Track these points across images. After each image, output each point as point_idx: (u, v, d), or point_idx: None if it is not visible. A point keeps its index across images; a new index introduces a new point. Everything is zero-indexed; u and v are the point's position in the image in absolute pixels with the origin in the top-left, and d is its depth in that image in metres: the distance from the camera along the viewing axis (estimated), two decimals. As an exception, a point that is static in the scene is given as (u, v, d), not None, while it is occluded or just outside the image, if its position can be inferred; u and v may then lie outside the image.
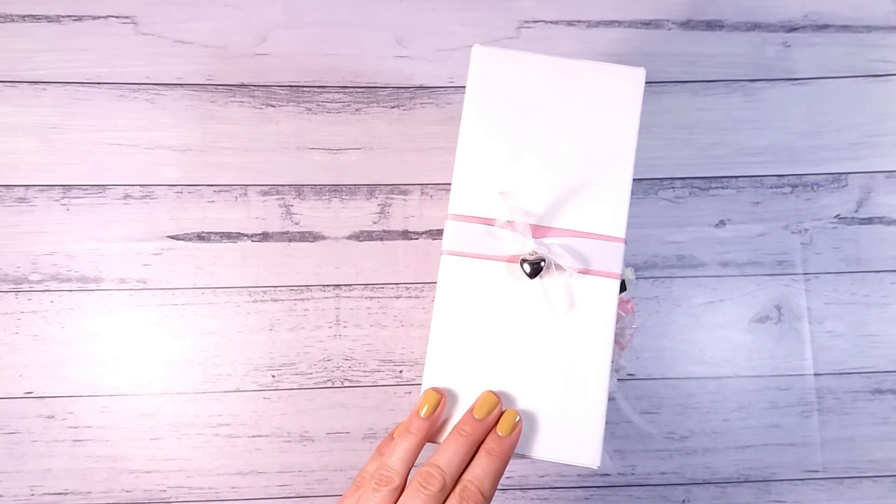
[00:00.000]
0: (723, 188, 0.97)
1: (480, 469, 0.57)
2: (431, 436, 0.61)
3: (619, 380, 0.93)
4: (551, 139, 0.64)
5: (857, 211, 0.98)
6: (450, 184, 0.65)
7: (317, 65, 0.98)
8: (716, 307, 0.97)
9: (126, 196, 0.94)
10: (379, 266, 0.96)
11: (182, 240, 0.94)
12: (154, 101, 0.96)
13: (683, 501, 0.95)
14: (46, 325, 0.93)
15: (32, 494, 0.92)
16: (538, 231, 0.63)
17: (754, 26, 1.00)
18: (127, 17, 0.96)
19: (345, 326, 0.95)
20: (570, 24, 0.99)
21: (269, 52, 0.97)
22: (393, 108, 0.97)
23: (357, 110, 0.97)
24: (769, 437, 0.96)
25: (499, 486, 0.93)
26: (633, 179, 0.64)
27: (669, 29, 0.99)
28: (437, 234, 0.96)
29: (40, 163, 0.94)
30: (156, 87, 0.96)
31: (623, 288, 0.65)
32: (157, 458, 0.93)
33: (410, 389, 0.95)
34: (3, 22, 0.95)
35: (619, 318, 0.64)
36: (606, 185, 0.64)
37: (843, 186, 0.98)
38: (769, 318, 0.97)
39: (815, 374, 0.96)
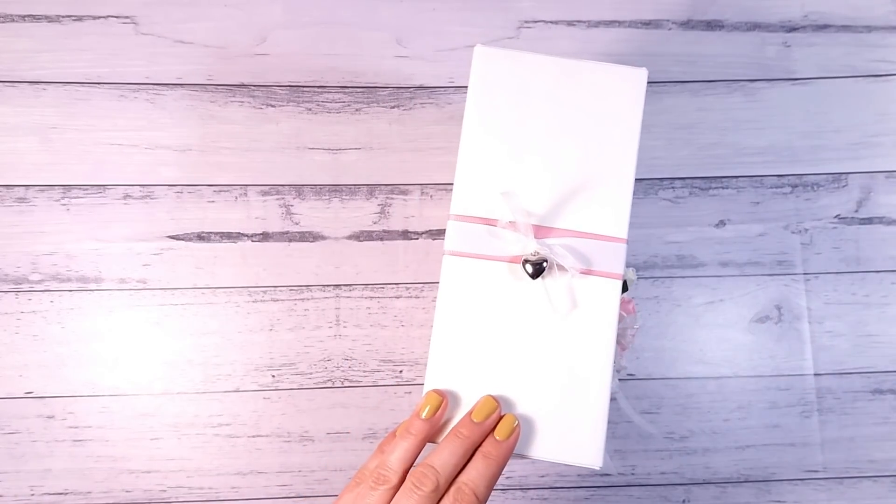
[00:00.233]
0: (723, 188, 0.98)
1: (476, 472, 0.58)
2: (431, 437, 0.61)
3: (619, 380, 0.93)
4: (553, 139, 0.64)
5: (857, 211, 0.98)
6: (450, 184, 0.65)
7: (317, 65, 0.97)
8: (716, 307, 0.97)
9: (126, 196, 0.94)
10: (379, 266, 0.96)
11: (182, 240, 0.94)
12: (154, 101, 0.96)
13: (683, 501, 0.95)
14: (46, 325, 0.93)
15: (32, 494, 0.92)
16: (540, 231, 0.63)
17: (754, 26, 1.00)
18: (127, 17, 0.96)
19: (345, 326, 0.95)
20: (570, 24, 0.99)
21: (269, 52, 0.97)
22: (393, 108, 0.97)
23: (357, 110, 0.97)
24: (769, 437, 0.96)
25: (499, 486, 0.94)
26: (634, 179, 0.64)
27: (669, 29, 0.99)
28: (437, 234, 0.96)
29: (40, 163, 0.94)
30: (156, 87, 0.96)
31: (625, 288, 0.66)
32: (157, 458, 0.93)
33: (410, 389, 0.95)
34: (3, 22, 0.95)
35: (620, 319, 0.64)
36: (608, 186, 0.64)
37: (843, 186, 0.98)
38: (769, 318, 0.97)
39: (815, 374, 0.96)
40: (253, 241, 0.95)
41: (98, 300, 0.94)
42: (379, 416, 0.95)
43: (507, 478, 0.95)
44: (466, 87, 0.65)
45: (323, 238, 0.95)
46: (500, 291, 0.63)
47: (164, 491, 0.93)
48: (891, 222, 0.98)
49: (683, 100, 0.98)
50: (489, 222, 0.64)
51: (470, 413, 0.61)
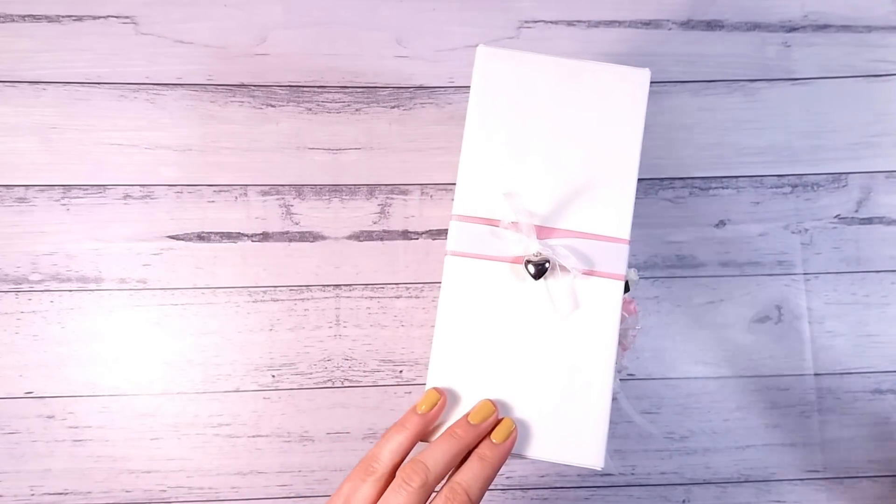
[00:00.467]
0: (723, 188, 0.98)
1: (471, 473, 0.58)
2: (425, 433, 0.61)
3: (620, 380, 0.93)
4: (556, 140, 0.64)
5: (857, 211, 0.98)
6: (450, 184, 0.65)
7: (317, 65, 0.97)
8: (716, 307, 0.97)
9: (126, 196, 0.94)
10: (379, 266, 0.96)
11: (182, 240, 0.94)
12: (154, 101, 0.96)
13: (683, 501, 0.95)
14: (46, 325, 0.93)
15: (32, 494, 0.92)
16: (542, 232, 0.63)
17: (754, 26, 1.00)
18: (127, 17, 0.96)
19: (345, 326, 0.95)
20: (570, 24, 0.99)
21: (269, 52, 0.97)
22: (393, 108, 0.97)
23: (357, 110, 0.97)
24: (769, 437, 0.96)
25: (499, 486, 0.94)
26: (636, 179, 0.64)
27: (669, 29, 1.00)
28: (437, 234, 0.96)
29: (40, 163, 0.94)
30: (156, 87, 0.96)
31: (626, 289, 0.66)
32: (157, 458, 0.93)
33: (410, 389, 0.95)
34: (3, 22, 0.95)
35: (622, 319, 0.64)
36: (611, 187, 0.64)
37: (843, 186, 0.98)
38: (769, 318, 0.97)
39: (815, 374, 0.96)
40: (253, 241, 0.95)
41: (98, 300, 0.94)
42: (379, 417, 0.95)
43: (507, 478, 0.95)
44: (467, 87, 0.65)
45: (323, 238, 0.95)
46: (502, 292, 0.63)
47: (164, 491, 0.93)
48: (891, 222, 0.98)
49: (683, 100, 0.98)
50: (491, 223, 0.64)
51: (467, 414, 0.61)
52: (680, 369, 0.96)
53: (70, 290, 0.93)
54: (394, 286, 0.95)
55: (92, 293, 0.93)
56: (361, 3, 0.99)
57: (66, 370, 0.93)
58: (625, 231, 0.64)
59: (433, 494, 0.57)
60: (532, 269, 0.62)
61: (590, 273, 0.63)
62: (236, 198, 0.95)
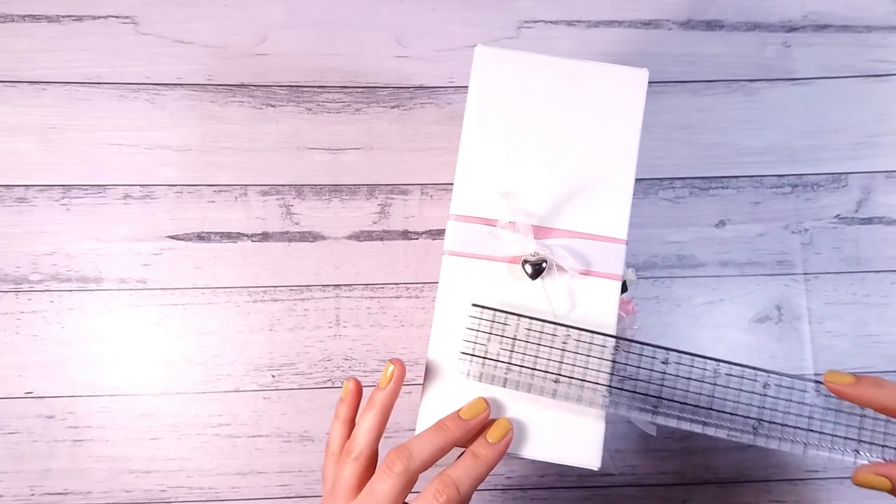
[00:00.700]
0: (723, 188, 0.98)
1: (463, 468, 0.58)
2: (390, 406, 0.63)
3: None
4: (554, 140, 0.64)
5: (857, 211, 0.98)
6: (450, 184, 0.65)
7: (317, 65, 0.98)
8: (716, 307, 0.97)
9: (126, 196, 0.94)
10: (379, 266, 0.96)
11: (182, 240, 0.94)
12: (154, 101, 0.96)
13: (683, 501, 0.95)
14: (46, 325, 0.93)
15: (32, 494, 0.92)
16: (540, 232, 0.63)
17: (754, 26, 1.00)
18: (127, 17, 0.96)
19: (345, 326, 0.95)
20: (570, 24, 0.99)
21: (269, 52, 0.97)
22: (393, 108, 0.97)
23: (357, 110, 0.97)
24: (769, 437, 0.96)
25: (499, 486, 0.94)
26: (634, 181, 0.64)
27: (669, 29, 1.00)
28: (437, 234, 0.96)
29: (40, 163, 0.94)
30: (156, 87, 0.96)
31: (624, 289, 0.66)
32: (157, 458, 0.93)
33: (410, 389, 0.95)
34: (3, 22, 0.95)
35: (619, 319, 0.64)
36: (608, 187, 0.64)
37: (843, 186, 0.98)
38: (769, 318, 0.97)
39: (815, 374, 0.96)
40: (253, 241, 0.95)
41: (98, 300, 0.94)
42: (379, 416, 0.95)
43: (507, 478, 0.95)
44: (466, 87, 0.65)
45: (323, 238, 0.95)
46: (500, 292, 0.64)
47: (164, 491, 0.93)
48: (891, 222, 0.98)
49: (683, 100, 0.98)
50: (489, 222, 0.64)
51: (459, 410, 0.61)
52: (680, 369, 0.96)
53: (70, 290, 0.93)
54: (394, 286, 0.95)
55: (92, 293, 0.94)
56: (361, 3, 0.99)
57: (66, 370, 0.93)
58: (622, 231, 0.64)
59: (426, 490, 0.57)
60: (529, 268, 0.62)
61: (587, 273, 0.63)
62: (236, 198, 0.95)
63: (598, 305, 0.63)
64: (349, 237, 0.95)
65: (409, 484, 0.58)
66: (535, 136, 0.64)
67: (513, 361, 0.62)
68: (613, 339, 0.62)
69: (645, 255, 0.97)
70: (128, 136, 0.95)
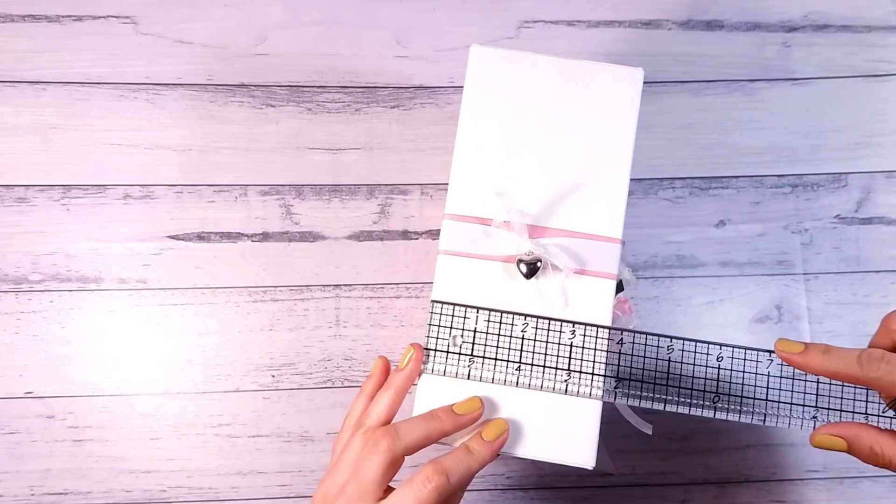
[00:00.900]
0: (723, 188, 0.97)
1: (455, 459, 0.59)
2: (406, 390, 0.64)
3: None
4: (549, 139, 0.64)
5: (857, 211, 0.97)
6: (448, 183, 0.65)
7: (317, 65, 0.98)
8: (716, 307, 0.97)
9: (126, 196, 0.94)
10: (379, 266, 0.96)
11: (182, 240, 0.95)
12: (154, 101, 0.96)
13: (683, 501, 0.95)
14: (46, 325, 0.93)
15: (32, 494, 0.92)
16: (535, 231, 0.63)
17: (754, 26, 1.00)
18: (127, 17, 0.97)
19: (345, 326, 0.95)
20: (569, 24, 0.99)
21: (269, 52, 0.97)
22: (393, 108, 0.97)
23: (357, 110, 0.97)
24: (769, 437, 0.95)
25: (499, 486, 0.94)
26: (633, 179, 0.65)
27: (669, 29, 0.99)
28: (437, 234, 0.96)
29: (40, 163, 0.94)
30: (156, 87, 0.96)
31: (620, 288, 0.66)
32: (157, 458, 0.93)
33: (410, 389, 0.94)
34: (3, 22, 0.96)
35: (615, 319, 0.64)
36: (603, 186, 0.64)
37: (843, 186, 0.98)
38: (769, 318, 0.96)
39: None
40: (253, 241, 0.95)
41: (98, 300, 0.94)
42: (379, 416, 0.95)
43: (508, 478, 0.95)
44: (465, 86, 0.66)
45: (323, 238, 0.95)
46: (495, 291, 0.64)
47: (164, 491, 0.93)
48: (891, 222, 0.97)
49: (683, 100, 0.98)
50: (484, 222, 0.64)
51: (453, 404, 0.62)
52: (680, 369, 0.96)
53: (70, 290, 0.94)
54: (394, 286, 0.95)
55: (92, 293, 0.94)
56: (361, 3, 0.99)
57: (66, 370, 0.93)
58: (617, 230, 0.64)
59: (417, 474, 0.58)
60: (524, 268, 0.62)
61: (581, 272, 0.63)
62: (236, 198, 0.95)
63: (593, 304, 0.63)
64: (349, 237, 0.96)
65: (393, 464, 0.59)
66: (529, 135, 0.65)
67: (475, 353, 0.62)
68: (570, 325, 0.62)
69: (645, 255, 0.97)
70: (128, 136, 0.95)
